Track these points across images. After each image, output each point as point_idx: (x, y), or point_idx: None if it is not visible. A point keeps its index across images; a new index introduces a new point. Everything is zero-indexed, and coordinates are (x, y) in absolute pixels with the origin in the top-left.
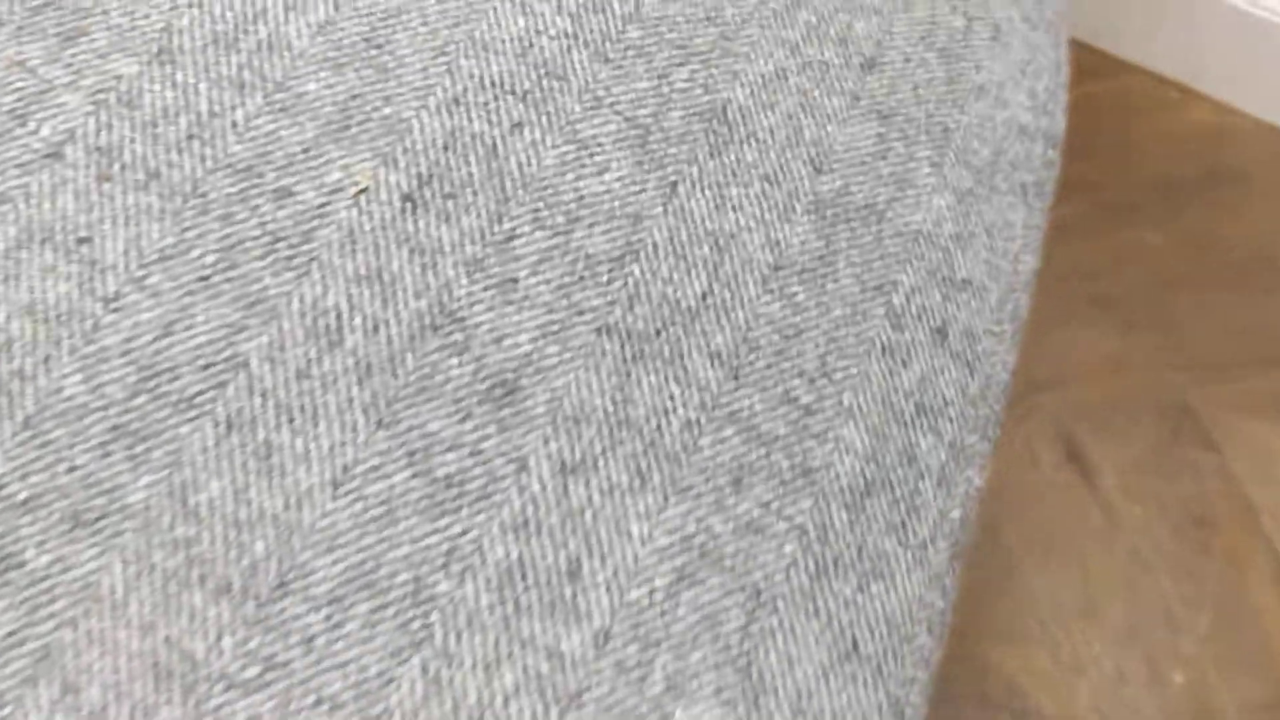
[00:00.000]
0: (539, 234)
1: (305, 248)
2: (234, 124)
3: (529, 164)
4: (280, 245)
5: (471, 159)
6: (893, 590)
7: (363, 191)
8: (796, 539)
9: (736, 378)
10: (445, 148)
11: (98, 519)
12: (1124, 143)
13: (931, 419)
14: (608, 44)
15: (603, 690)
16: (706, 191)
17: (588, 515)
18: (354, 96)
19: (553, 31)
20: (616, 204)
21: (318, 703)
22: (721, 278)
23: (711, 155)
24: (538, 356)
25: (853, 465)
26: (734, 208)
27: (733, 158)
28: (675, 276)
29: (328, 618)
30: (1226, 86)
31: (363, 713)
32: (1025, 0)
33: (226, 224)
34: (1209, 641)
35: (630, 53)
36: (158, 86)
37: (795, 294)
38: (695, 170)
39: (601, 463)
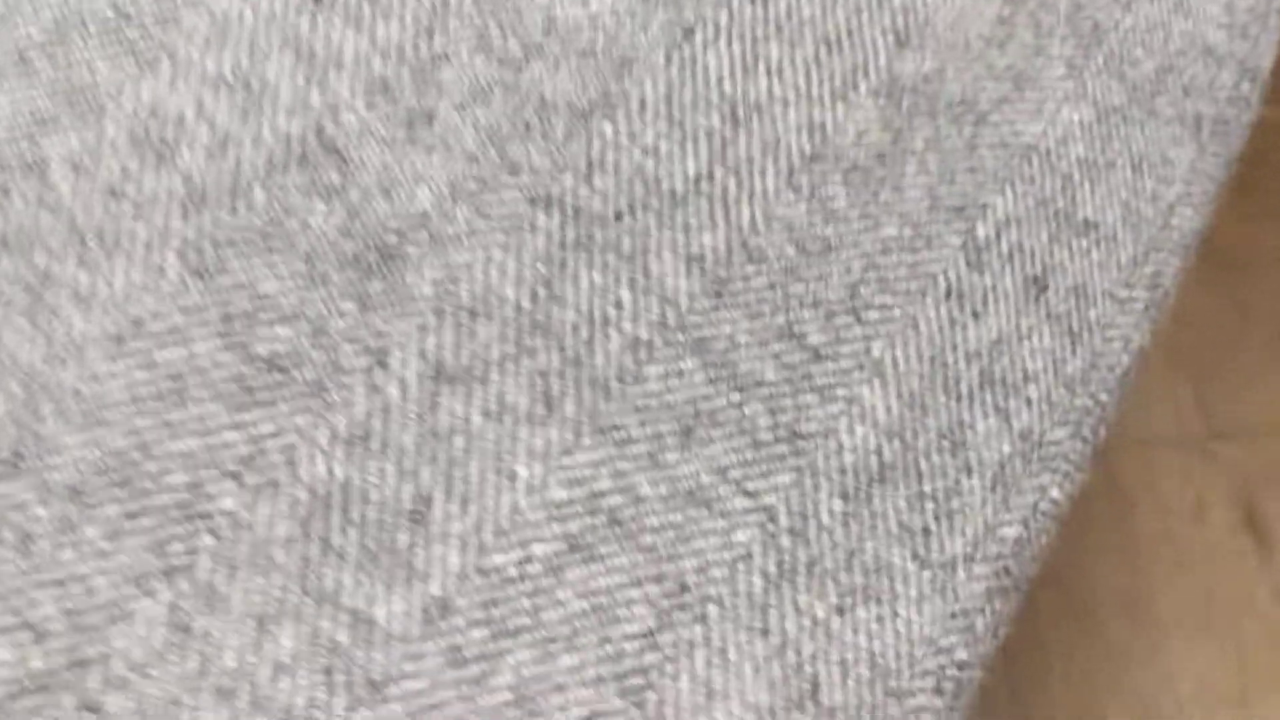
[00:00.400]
0: (478, 60)
1: (160, 35)
2: None
3: None
4: (130, 27)
5: None
6: (891, 620)
7: None
8: (758, 525)
9: (719, 294)
10: None
11: None
12: None
13: (1000, 396)
14: None
15: (418, 685)
16: (733, 45)
17: (457, 442)
18: None
19: None
20: (600, 39)
21: (18, 627)
22: (729, 160)
23: (753, 2)
24: (438, 219)
25: (865, 439)
26: (769, 71)
27: (782, 6)
28: (663, 148)
29: (61, 516)
30: None
31: (71, 652)
32: None
33: None
34: None
35: None
36: None
37: (832, 197)
38: (724, 14)
39: (495, 375)
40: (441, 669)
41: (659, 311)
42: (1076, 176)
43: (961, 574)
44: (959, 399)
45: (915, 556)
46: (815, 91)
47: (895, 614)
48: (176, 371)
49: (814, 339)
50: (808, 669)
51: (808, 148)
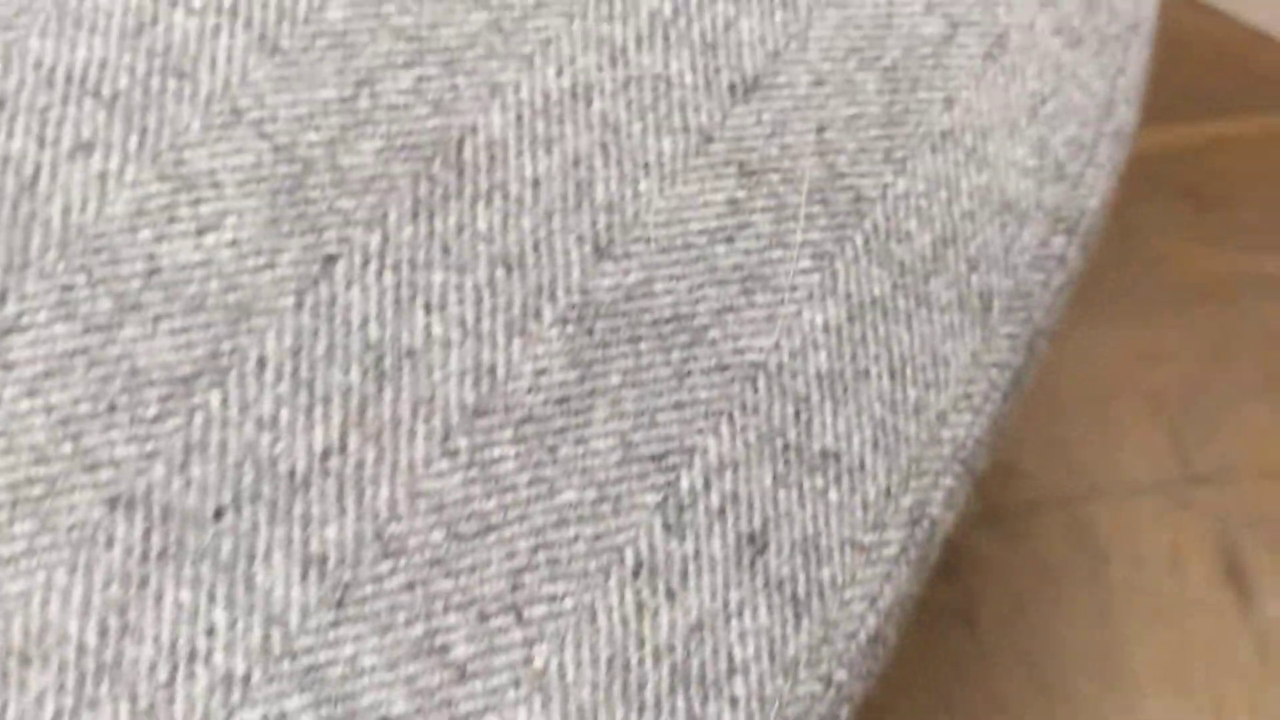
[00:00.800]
0: (59, 328)
1: None
2: None
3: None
4: None
5: None
6: None
7: None
8: None
9: (341, 604)
10: None
11: None
12: None
13: (696, 700)
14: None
15: None
16: (385, 275)
17: None
18: None
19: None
20: (214, 285)
21: None
22: (369, 426)
23: (415, 217)
24: None
25: None
26: (429, 306)
27: (451, 221)
28: (283, 418)
29: None
30: None
31: None
32: (1065, 3)
33: None
34: None
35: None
36: None
37: (498, 461)
38: (376, 236)
39: None
40: None
41: (262, 634)
42: (815, 397)
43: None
44: (641, 710)
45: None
46: (486, 326)
47: None
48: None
49: (460, 651)
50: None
51: (470, 399)
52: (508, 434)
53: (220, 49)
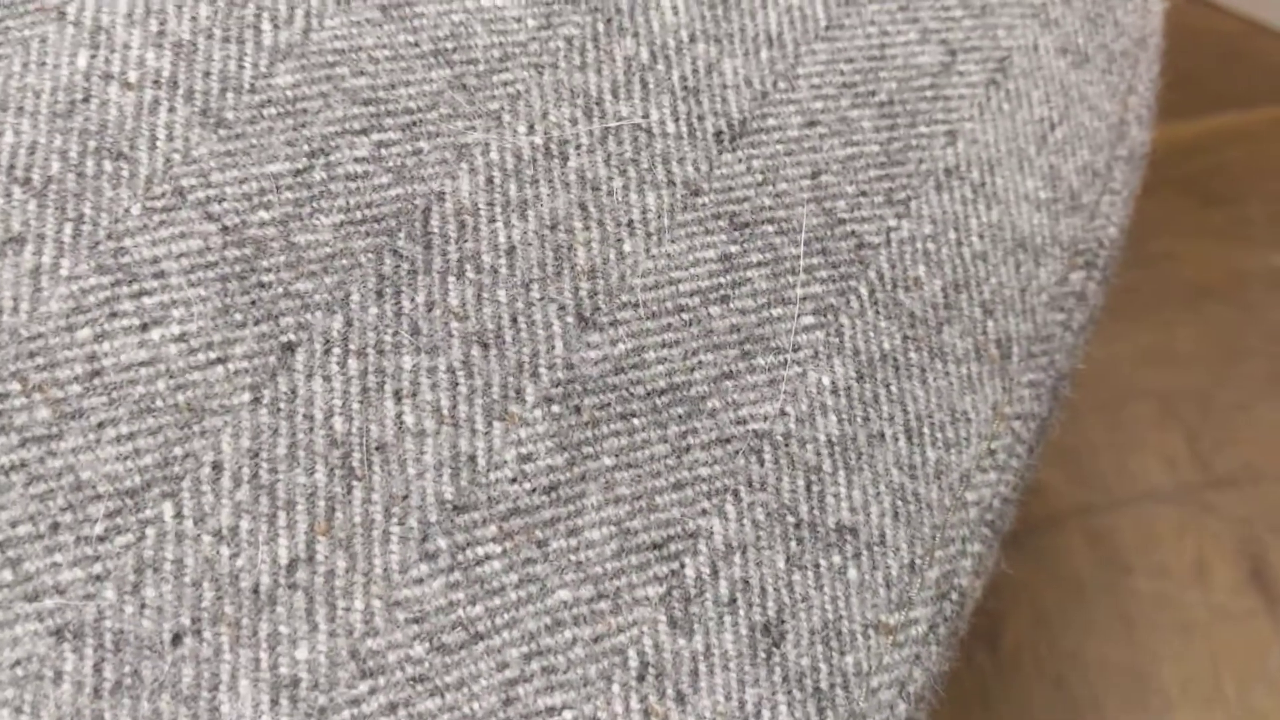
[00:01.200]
0: None
1: None
2: None
3: None
4: None
5: None
6: None
7: None
8: None
9: None
10: None
11: None
12: None
13: None
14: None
15: None
16: (350, 362)
17: None
18: None
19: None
20: (162, 385)
21: None
22: (338, 531)
23: (379, 296)
24: None
25: None
26: (399, 394)
27: (405, 301)
28: (243, 528)
29: None
30: None
31: None
32: (1068, 20)
33: None
34: None
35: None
36: None
37: (482, 561)
38: (337, 320)
39: None
40: None
41: None
42: (827, 466)
43: None
44: None
45: None
46: (463, 412)
47: None
48: None
49: None
50: None
51: (449, 494)
52: (492, 530)
53: (160, 125)
